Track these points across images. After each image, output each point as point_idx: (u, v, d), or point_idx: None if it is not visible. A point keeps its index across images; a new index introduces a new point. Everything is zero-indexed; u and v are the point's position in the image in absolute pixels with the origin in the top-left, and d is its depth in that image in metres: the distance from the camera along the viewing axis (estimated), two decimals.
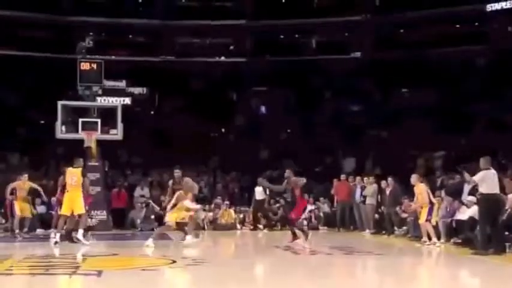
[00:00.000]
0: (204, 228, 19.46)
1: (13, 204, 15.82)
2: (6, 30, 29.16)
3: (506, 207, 12.17)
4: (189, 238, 13.17)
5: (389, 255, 12.32)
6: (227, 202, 19.98)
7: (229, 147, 26.80)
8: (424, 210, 13.69)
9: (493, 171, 11.74)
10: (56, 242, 13.18)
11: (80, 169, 13.92)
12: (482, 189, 11.66)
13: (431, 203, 13.65)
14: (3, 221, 17.33)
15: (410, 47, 30.06)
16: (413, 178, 14.15)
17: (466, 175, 12.28)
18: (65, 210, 13.70)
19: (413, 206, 14.46)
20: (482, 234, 11.57)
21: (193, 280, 8.33)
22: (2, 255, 11.02)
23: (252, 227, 19.39)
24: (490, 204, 11.57)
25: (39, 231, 17.03)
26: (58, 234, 13.40)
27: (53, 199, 16.31)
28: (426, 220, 13.57)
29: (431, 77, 28.50)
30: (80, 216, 13.70)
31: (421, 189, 13.81)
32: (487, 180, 11.57)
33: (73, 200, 13.64)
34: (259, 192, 19.29)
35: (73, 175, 13.76)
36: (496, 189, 11.67)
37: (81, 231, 13.62)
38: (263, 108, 31.08)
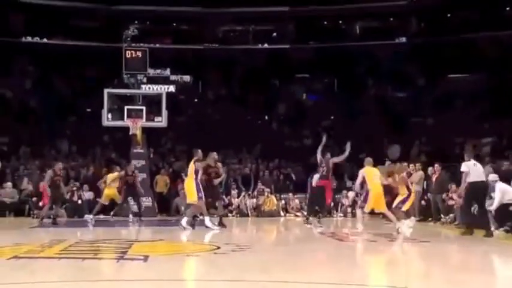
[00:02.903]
0: (248, 215, 19.59)
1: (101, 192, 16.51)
2: (55, 20, 29.75)
3: None
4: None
5: (434, 243, 12.14)
6: (268, 190, 20.00)
7: (272, 135, 26.79)
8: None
9: (473, 162, 12.63)
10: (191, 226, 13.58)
11: (195, 158, 13.75)
12: (469, 179, 12.46)
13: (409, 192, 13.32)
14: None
15: (456, 31, 29.39)
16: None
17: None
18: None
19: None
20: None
21: (238, 266, 8.37)
22: (56, 239, 11.33)
23: (299, 216, 18.92)
24: (475, 191, 12.45)
25: (86, 216, 17.39)
26: (207, 218, 13.68)
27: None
28: (395, 206, 13.20)
29: (478, 62, 27.83)
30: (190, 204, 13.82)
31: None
32: (471, 170, 12.41)
33: (185, 189, 13.81)
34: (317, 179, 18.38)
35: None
36: (481, 177, 12.50)
37: (185, 219, 13.67)
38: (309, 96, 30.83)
